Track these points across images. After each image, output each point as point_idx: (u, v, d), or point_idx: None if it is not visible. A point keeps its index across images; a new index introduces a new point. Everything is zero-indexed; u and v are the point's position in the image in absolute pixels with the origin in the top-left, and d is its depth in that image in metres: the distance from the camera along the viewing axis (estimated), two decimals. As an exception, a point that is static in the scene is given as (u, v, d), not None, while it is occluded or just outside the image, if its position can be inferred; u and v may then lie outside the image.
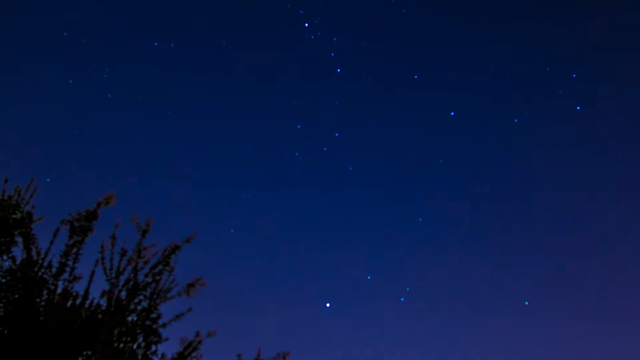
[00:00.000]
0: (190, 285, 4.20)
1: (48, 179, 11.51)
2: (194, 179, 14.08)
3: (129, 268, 4.14)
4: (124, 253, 4.15)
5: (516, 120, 13.90)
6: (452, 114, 13.59)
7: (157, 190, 13.87)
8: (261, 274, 14.27)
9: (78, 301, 4.01)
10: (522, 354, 14.28)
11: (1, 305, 3.90)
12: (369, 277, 13.88)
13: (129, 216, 4.19)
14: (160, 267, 4.18)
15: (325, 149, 13.65)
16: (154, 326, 4.16)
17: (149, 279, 4.16)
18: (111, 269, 4.10)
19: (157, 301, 4.17)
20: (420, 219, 14.27)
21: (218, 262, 13.89)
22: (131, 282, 4.12)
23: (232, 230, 13.67)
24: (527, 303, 13.73)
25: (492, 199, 14.79)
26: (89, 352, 3.85)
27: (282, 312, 14.18)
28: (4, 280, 3.97)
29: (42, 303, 3.94)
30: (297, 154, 13.56)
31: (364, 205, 14.86)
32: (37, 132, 12.69)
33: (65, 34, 11.93)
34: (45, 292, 3.98)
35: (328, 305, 13.44)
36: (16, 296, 3.92)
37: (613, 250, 14.73)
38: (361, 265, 14.59)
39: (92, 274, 4.06)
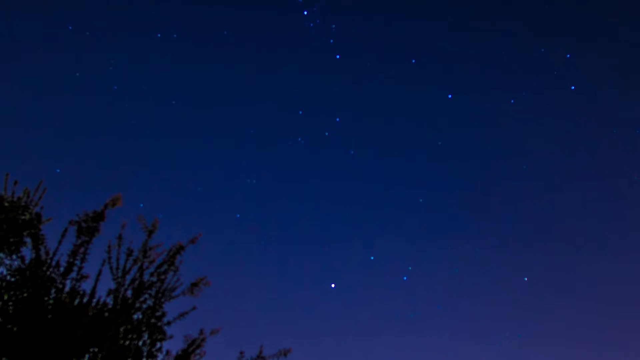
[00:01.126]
0: (195, 285, 4.25)
1: (58, 170, 11.88)
2: (199, 167, 14.41)
3: (135, 267, 4.20)
4: (130, 253, 4.21)
5: (512, 101, 14.20)
6: (450, 96, 13.87)
7: (163, 178, 14.23)
8: (267, 258, 14.59)
9: (85, 299, 4.07)
10: (523, 328, 14.60)
11: (11, 303, 3.94)
12: (372, 258, 14.33)
13: (135, 214, 4.26)
14: (165, 266, 4.24)
15: (326, 133, 13.95)
16: (159, 324, 4.21)
17: (154, 278, 4.22)
18: (117, 269, 4.16)
19: (162, 300, 4.22)
20: (420, 200, 14.73)
21: (225, 246, 14.32)
22: (137, 281, 4.17)
23: (238, 215, 14.02)
24: (526, 279, 14.15)
25: (491, 179, 15.14)
26: (96, 349, 3.91)
27: (288, 294, 14.57)
28: (13, 279, 4.01)
29: (51, 301, 3.99)
30: (300, 139, 13.88)
31: (365, 188, 15.23)
32: (45, 124, 13.01)
33: (70, 27, 12.20)
34: (53, 290, 4.02)
35: (333, 285, 13.90)
36: (25, 295, 3.96)
37: (608, 229, 15.02)
38: (364, 246, 14.91)
39: (99, 273, 4.14)
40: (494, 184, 15.10)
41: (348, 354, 14.14)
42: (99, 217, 4.18)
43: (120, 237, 4.22)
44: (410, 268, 13.91)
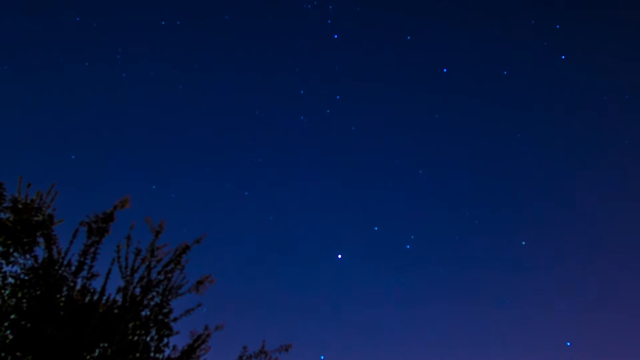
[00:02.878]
0: (200, 283, 4.36)
1: (73, 157, 12.41)
2: (207, 148, 14.91)
3: (143, 266, 4.30)
4: (138, 252, 4.31)
5: (505, 72, 14.64)
6: (445, 70, 14.30)
7: (171, 159, 14.73)
8: (274, 232, 15.03)
9: (96, 297, 4.17)
10: (520, 289, 15.14)
11: (25, 300, 4.05)
12: (375, 228, 14.77)
13: (143, 210, 4.39)
14: (171, 265, 4.34)
15: (328, 111, 14.30)
16: (166, 320, 4.29)
17: (162, 277, 4.31)
18: (126, 267, 4.26)
19: (169, 297, 4.31)
20: (420, 171, 15.11)
21: (234, 223, 14.89)
22: (145, 280, 4.26)
23: (246, 193, 14.49)
24: (524, 243, 14.78)
25: (487, 147, 15.58)
26: (106, 344, 3.99)
27: (297, 266, 15.06)
28: (27, 278, 4.12)
29: (63, 299, 4.10)
30: (302, 117, 14.37)
31: (367, 161, 15.73)
32: (55, 116, 13.43)
33: (77, 19, 12.61)
34: (65, 288, 4.13)
35: (340, 256, 14.34)
36: (38, 292, 4.07)
37: (603, 194, 15.51)
38: (368, 217, 15.43)
39: (109, 271, 4.23)
40: (490, 153, 15.65)
41: (357, 320, 14.78)
42: (108, 218, 4.30)
43: (129, 238, 4.33)
44: (412, 237, 14.47)
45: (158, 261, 4.36)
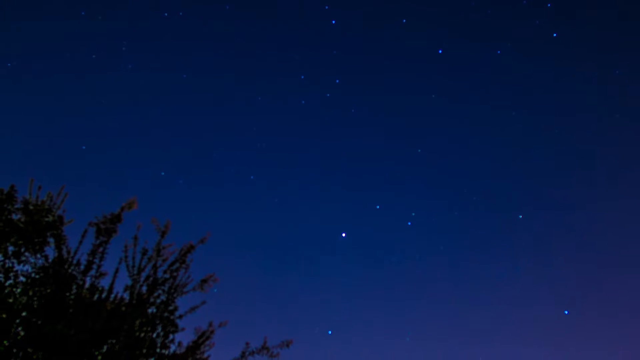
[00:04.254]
0: (204, 281, 4.46)
1: (84, 147, 12.92)
2: (213, 134, 15.42)
3: (149, 265, 4.40)
4: (144, 252, 4.41)
5: (499, 52, 15.04)
6: (440, 52, 14.69)
7: (178, 146, 15.28)
8: (280, 215, 15.62)
9: (104, 295, 4.27)
10: (517, 258, 15.74)
11: (35, 298, 4.15)
12: (377, 207, 15.31)
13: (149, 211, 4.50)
14: (177, 264, 4.44)
15: (328, 95, 14.74)
16: (172, 317, 4.38)
17: (167, 275, 4.41)
18: (133, 266, 4.36)
19: (174, 295, 4.40)
20: (419, 150, 15.68)
21: (242, 205, 15.49)
22: (151, 278, 4.36)
23: (252, 177, 15.06)
24: (521, 217, 15.34)
25: (482, 124, 16.06)
26: (114, 341, 4.08)
27: (302, 246, 15.65)
28: (37, 277, 4.22)
29: (72, 297, 4.20)
30: (303, 102, 14.86)
31: (367, 142, 16.25)
32: (63, 110, 13.90)
33: (83, 13, 13.03)
34: (74, 287, 4.23)
35: (344, 235, 14.88)
36: (49, 290, 4.17)
37: (596, 164, 16.09)
38: (369, 196, 15.96)
39: (116, 270, 4.34)
40: (486, 132, 16.12)
41: (362, 295, 15.44)
42: (116, 219, 4.42)
43: (136, 238, 4.43)
44: (413, 214, 15.06)
45: (164, 260, 4.46)
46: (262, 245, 15.73)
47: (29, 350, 3.99)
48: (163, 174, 14.03)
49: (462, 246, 16.15)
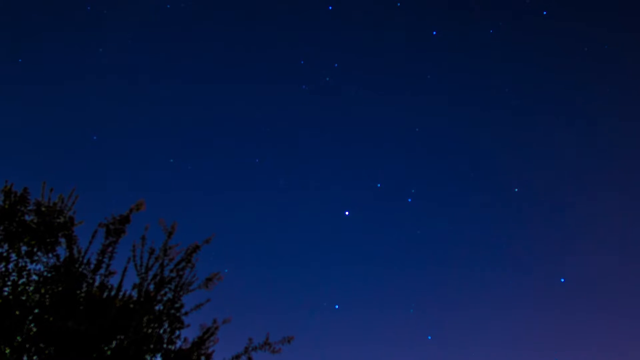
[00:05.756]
0: (209, 280, 4.58)
1: (95, 137, 13.48)
2: (218, 120, 16.01)
3: (157, 264, 4.50)
4: (152, 252, 4.53)
5: (491, 31, 15.52)
6: (434, 33, 15.07)
7: (186, 133, 15.83)
8: (286, 195, 16.27)
9: (113, 293, 4.38)
10: (514, 233, 16.36)
11: (47, 296, 4.28)
12: (378, 185, 15.97)
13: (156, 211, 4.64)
14: (183, 263, 4.55)
15: (327, 79, 15.25)
16: (178, 314, 4.48)
17: (174, 274, 4.52)
18: (141, 265, 4.48)
19: (181, 293, 4.51)
20: (417, 129, 16.22)
21: (246, 184, 16.13)
22: (158, 277, 4.47)
23: (257, 160, 15.66)
24: (516, 190, 15.88)
25: (478, 101, 16.56)
26: (122, 336, 4.19)
27: (308, 225, 16.33)
28: (49, 275, 4.35)
29: (82, 295, 4.32)
30: (304, 86, 15.39)
31: (367, 122, 16.90)
32: (75, 101, 14.41)
33: (88, 8, 13.57)
34: (84, 285, 4.35)
35: (347, 213, 15.45)
36: (60, 289, 4.30)
37: (589, 141, 16.59)
38: (371, 175, 16.65)
39: (125, 269, 4.45)
40: (481, 109, 16.64)
41: (366, 271, 16.18)
42: (125, 220, 4.56)
43: (143, 238, 4.56)
44: (413, 191, 15.68)
45: (170, 260, 4.57)
46: (268, 224, 16.49)
47: (41, 345, 4.10)
48: (172, 160, 14.70)
49: (461, 219, 16.91)
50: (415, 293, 16.41)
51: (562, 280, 14.99)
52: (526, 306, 16.20)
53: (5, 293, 4.21)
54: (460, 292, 16.51)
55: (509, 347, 15.77)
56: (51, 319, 4.16)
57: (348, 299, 16.16)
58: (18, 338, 4.08)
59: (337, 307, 14.66)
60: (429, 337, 15.08)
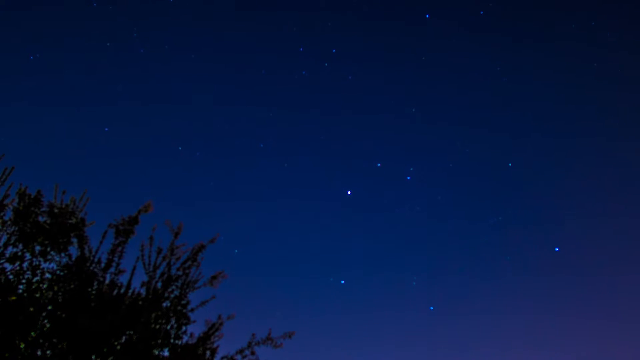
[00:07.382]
0: (214, 277, 4.72)
1: (106, 129, 13.91)
2: (223, 108, 16.60)
3: (164, 263, 4.64)
4: (159, 251, 4.67)
5: (482, 12, 16.10)
6: (427, 16, 15.72)
7: (193, 121, 16.42)
8: (289, 177, 16.88)
9: (122, 290, 4.51)
10: (509, 205, 16.84)
11: (60, 293, 4.40)
12: (378, 165, 16.57)
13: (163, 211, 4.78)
14: (189, 262, 4.70)
15: (326, 64, 15.92)
16: (184, 311, 4.61)
17: (180, 272, 4.66)
18: (149, 264, 4.61)
19: (187, 290, 4.65)
20: (413, 110, 16.79)
21: (251, 167, 16.80)
22: (165, 275, 4.61)
23: (261, 145, 16.27)
24: (510, 165, 16.34)
25: (472, 83, 17.06)
26: (131, 332, 4.33)
27: (310, 205, 17.07)
28: (62, 274, 4.47)
29: (93, 292, 4.45)
30: (304, 72, 15.95)
31: (364, 106, 17.47)
32: (80, 97, 14.88)
33: (95, 4, 14.03)
34: (95, 283, 4.47)
35: (349, 192, 16.27)
36: (72, 286, 4.42)
37: (583, 114, 17.03)
38: (370, 155, 17.31)
39: (134, 268, 4.59)
40: (476, 88, 17.14)
41: (369, 246, 16.92)
42: (133, 221, 4.71)
43: (151, 238, 4.71)
44: (411, 169, 16.25)
45: (177, 259, 4.71)
46: (273, 204, 17.10)
47: (54, 340, 4.23)
48: (180, 148, 15.32)
49: (458, 195, 17.48)
50: (417, 266, 17.26)
51: (557, 249, 15.39)
52: (521, 272, 16.95)
53: (20, 291, 4.33)
54: (459, 265, 17.26)
55: (507, 317, 16.57)
56: (64, 315, 4.28)
57: (352, 275, 17.07)
58: (32, 333, 4.20)
59: (342, 282, 15.50)
60: (431, 308, 15.99)
